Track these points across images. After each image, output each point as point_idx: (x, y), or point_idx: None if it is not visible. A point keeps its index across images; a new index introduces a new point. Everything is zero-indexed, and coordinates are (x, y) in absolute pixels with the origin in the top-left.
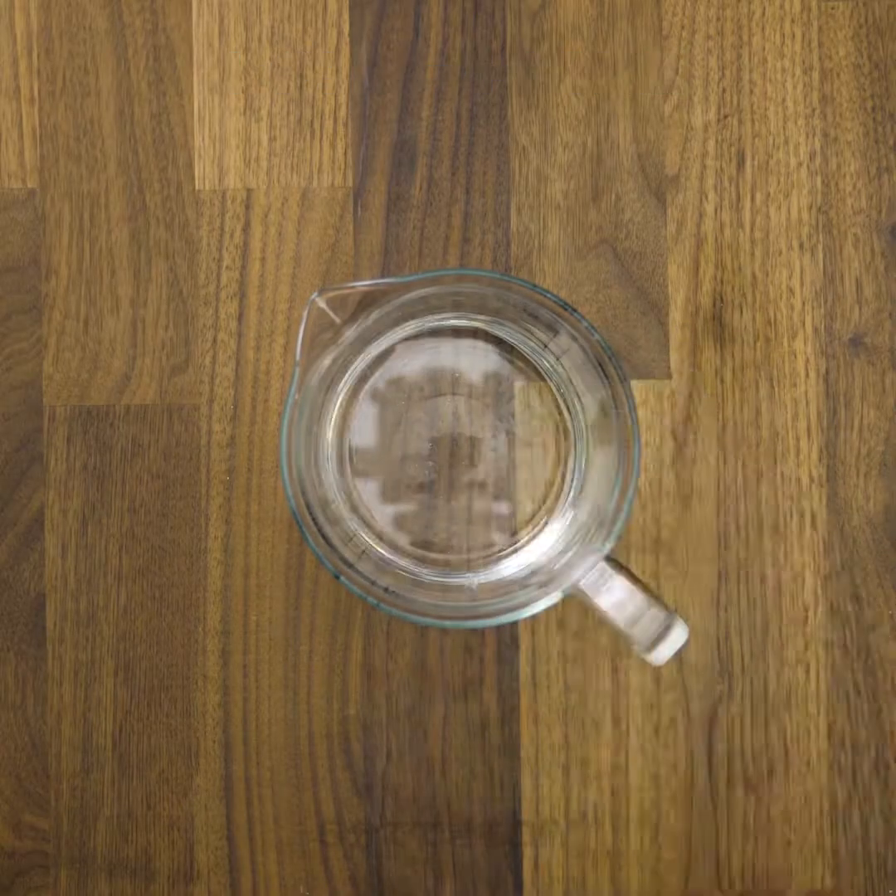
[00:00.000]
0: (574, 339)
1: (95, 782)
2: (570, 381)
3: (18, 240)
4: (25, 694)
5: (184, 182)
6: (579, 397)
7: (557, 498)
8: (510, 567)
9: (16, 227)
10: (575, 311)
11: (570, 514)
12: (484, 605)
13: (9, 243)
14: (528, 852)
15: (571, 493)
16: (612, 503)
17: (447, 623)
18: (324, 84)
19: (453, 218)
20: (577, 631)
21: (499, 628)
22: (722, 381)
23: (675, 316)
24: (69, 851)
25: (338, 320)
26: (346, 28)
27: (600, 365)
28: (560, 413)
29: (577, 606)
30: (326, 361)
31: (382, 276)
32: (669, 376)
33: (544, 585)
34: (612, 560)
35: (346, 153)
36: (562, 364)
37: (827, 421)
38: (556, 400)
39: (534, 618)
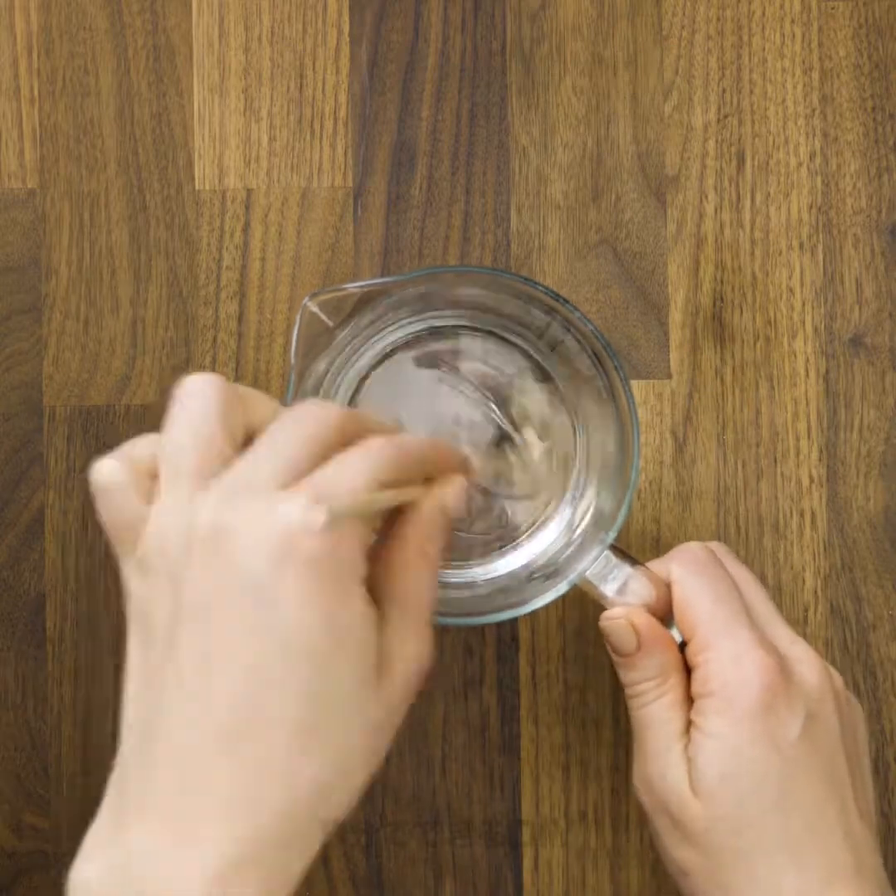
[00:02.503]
0: (568, 331)
1: (95, 782)
2: (568, 373)
3: (18, 240)
4: (25, 694)
5: (184, 182)
6: (577, 389)
7: (559, 491)
8: (513, 562)
9: (16, 227)
10: (567, 301)
11: (571, 508)
12: (488, 600)
13: (9, 243)
14: (528, 852)
15: (573, 486)
16: (613, 492)
17: (450, 620)
18: (324, 84)
19: (453, 218)
20: (577, 631)
21: (499, 627)
22: (722, 381)
23: (675, 316)
24: (69, 851)
25: (330, 324)
26: (346, 28)
27: (596, 356)
28: (560, 406)
29: (577, 606)
30: (322, 365)
31: (380, 276)
32: (669, 376)
33: (549, 578)
34: (616, 548)
35: (346, 153)
36: (557, 356)
37: (827, 421)
38: (556, 394)
39: (536, 612)
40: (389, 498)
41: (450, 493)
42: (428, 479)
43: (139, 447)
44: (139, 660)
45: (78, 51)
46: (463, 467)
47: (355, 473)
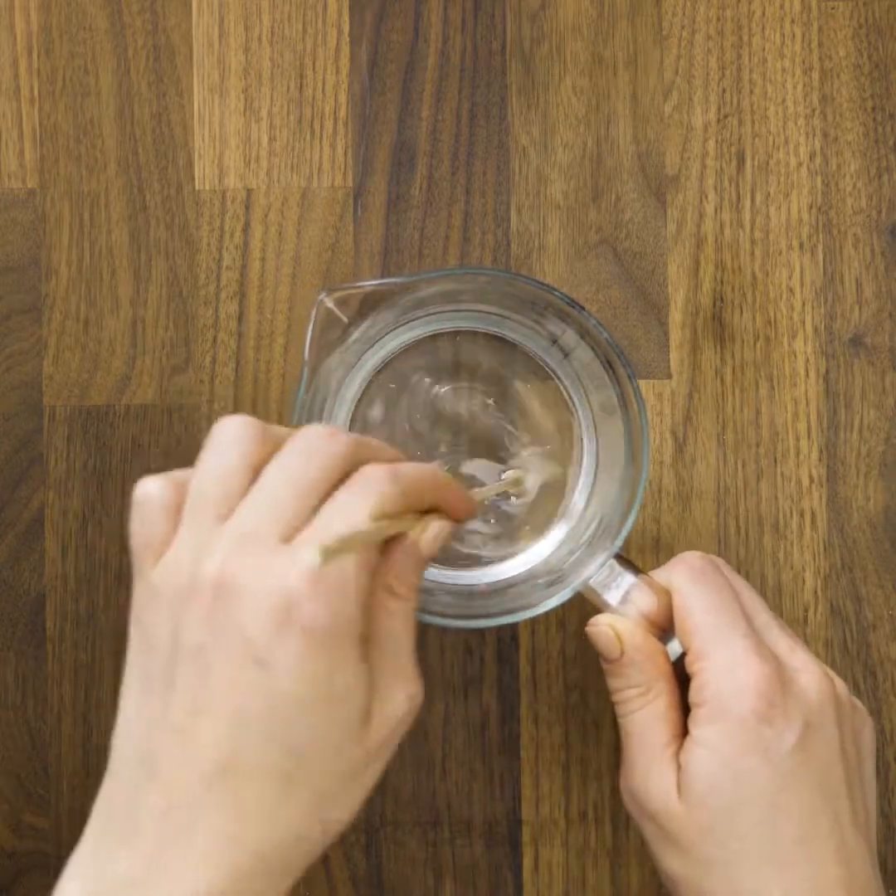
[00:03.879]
0: (581, 337)
1: (95, 782)
2: (578, 380)
3: (18, 240)
4: (25, 694)
5: (184, 182)
6: (587, 396)
7: (565, 497)
8: (517, 566)
9: (16, 227)
10: (583, 308)
11: (577, 513)
12: (493, 604)
13: (9, 243)
14: (528, 852)
15: (578, 492)
16: (620, 501)
17: (451, 622)
18: (324, 84)
19: (453, 218)
20: (577, 631)
21: (499, 628)
22: (722, 381)
23: (675, 316)
24: (69, 851)
25: (345, 320)
26: (346, 28)
27: (608, 363)
28: (567, 412)
29: (577, 606)
30: (333, 361)
31: (383, 276)
32: (669, 376)
33: (553, 584)
34: (621, 557)
35: (346, 153)
36: (569, 363)
37: (827, 421)
38: (563, 399)
39: (538, 616)
40: (384, 528)
41: (428, 535)
42: (424, 510)
43: (185, 475)
44: (137, 688)
45: (78, 51)
46: (461, 499)
47: (354, 513)
